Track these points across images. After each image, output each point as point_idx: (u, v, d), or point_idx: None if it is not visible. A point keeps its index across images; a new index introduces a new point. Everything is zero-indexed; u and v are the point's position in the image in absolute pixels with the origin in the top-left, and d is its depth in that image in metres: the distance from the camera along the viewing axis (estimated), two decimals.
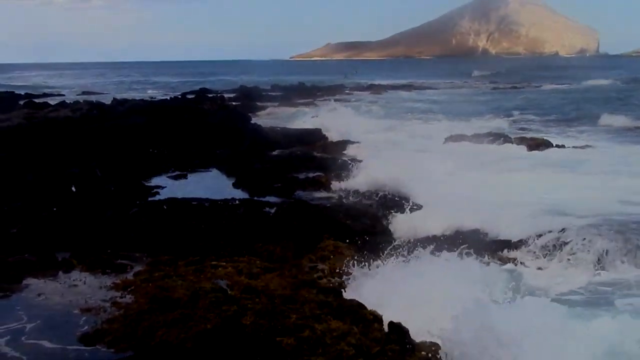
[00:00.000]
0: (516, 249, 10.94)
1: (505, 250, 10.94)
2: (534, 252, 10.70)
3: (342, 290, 8.28)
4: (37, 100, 43.09)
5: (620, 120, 30.30)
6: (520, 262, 10.40)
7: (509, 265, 10.28)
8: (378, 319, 7.29)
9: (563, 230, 10.94)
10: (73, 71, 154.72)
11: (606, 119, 30.76)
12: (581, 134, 27.15)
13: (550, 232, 11.00)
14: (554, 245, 10.62)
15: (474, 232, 11.55)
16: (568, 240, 10.57)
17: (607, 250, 10.15)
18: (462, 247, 9.22)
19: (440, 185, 14.75)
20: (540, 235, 10.98)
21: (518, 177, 16.08)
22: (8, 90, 59.86)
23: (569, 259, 10.23)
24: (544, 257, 10.47)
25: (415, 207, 12.91)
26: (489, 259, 10.16)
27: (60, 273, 8.99)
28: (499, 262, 10.35)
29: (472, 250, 9.19)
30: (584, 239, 10.49)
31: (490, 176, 16.08)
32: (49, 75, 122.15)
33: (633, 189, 14.14)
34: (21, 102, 41.33)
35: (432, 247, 9.44)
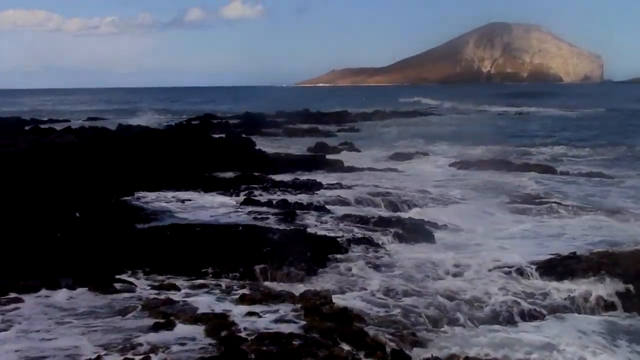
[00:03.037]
0: None
1: None
2: None
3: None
4: (42, 126, 43.34)
5: None
6: None
7: None
8: (381, 345, 7.28)
9: None
10: (81, 96, 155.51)
11: None
12: None
13: None
14: None
15: None
16: None
17: None
18: None
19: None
20: None
21: None
22: (15, 115, 60.30)
23: None
24: None
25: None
26: None
27: (63, 298, 8.98)
28: None
29: None
30: None
31: None
32: (57, 101, 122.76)
33: None
34: (27, 128, 41.56)
35: None
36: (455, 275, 10.33)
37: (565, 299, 9.49)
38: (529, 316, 8.99)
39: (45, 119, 58.13)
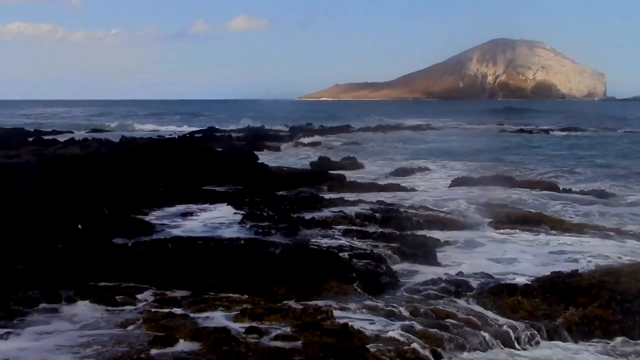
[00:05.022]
0: None
1: None
2: None
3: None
4: (46, 137, 43.47)
5: None
6: None
7: None
8: None
9: None
10: (84, 108, 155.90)
11: None
12: None
13: None
14: None
15: None
16: None
17: None
18: None
19: None
20: None
21: None
22: (18, 126, 60.52)
23: None
24: None
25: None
26: None
27: (64, 310, 8.98)
28: None
29: None
30: None
31: None
32: (61, 112, 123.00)
33: None
34: (30, 139, 41.71)
35: None
36: (456, 294, 10.28)
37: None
38: (530, 339, 8.91)
39: (49, 130, 58.34)
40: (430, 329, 8.53)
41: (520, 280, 11.13)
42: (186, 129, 66.39)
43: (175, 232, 14.14)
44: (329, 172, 25.35)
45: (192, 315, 8.76)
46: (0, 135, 42.22)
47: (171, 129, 69.62)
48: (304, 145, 44.80)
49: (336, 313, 8.93)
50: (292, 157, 36.67)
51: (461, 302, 9.91)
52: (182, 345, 7.54)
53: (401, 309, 9.40)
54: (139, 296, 9.75)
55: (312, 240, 13.43)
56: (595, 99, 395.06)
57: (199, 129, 60.31)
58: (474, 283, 10.81)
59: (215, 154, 28.56)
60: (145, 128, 74.38)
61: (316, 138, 50.68)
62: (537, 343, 8.87)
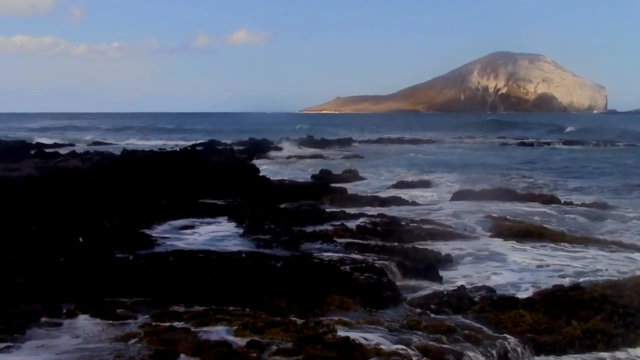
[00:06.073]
0: None
1: None
2: None
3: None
4: (47, 150, 43.55)
5: None
6: None
7: None
8: None
9: None
10: (85, 120, 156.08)
11: None
12: None
13: None
14: None
15: None
16: None
17: None
18: None
19: None
20: None
21: None
22: (20, 139, 60.65)
23: None
24: None
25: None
26: None
27: (65, 324, 8.96)
28: None
29: None
30: None
31: None
32: (63, 125, 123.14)
33: None
34: (32, 152, 41.78)
35: None
36: (457, 308, 10.24)
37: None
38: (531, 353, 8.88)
39: (50, 143, 58.46)
40: (431, 343, 8.49)
41: (522, 293, 11.13)
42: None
43: (177, 245, 14.11)
44: (330, 184, 25.37)
45: (193, 329, 8.74)
46: (2, 148, 42.28)
47: (172, 141, 69.77)
48: (306, 157, 44.87)
49: (337, 327, 8.91)
50: (294, 169, 36.72)
51: (462, 316, 9.88)
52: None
53: (402, 322, 9.38)
54: (140, 310, 9.73)
55: (313, 253, 13.40)
56: (596, 111, 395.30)
57: (200, 141, 60.44)
58: (476, 296, 10.77)
59: (216, 167, 28.58)
60: (146, 139, 74.58)
61: (317, 151, 50.80)
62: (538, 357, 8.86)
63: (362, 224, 16.75)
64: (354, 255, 13.41)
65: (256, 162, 36.81)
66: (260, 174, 28.17)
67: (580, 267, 13.28)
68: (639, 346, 9.16)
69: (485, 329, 9.28)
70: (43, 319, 9.03)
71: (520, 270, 13.24)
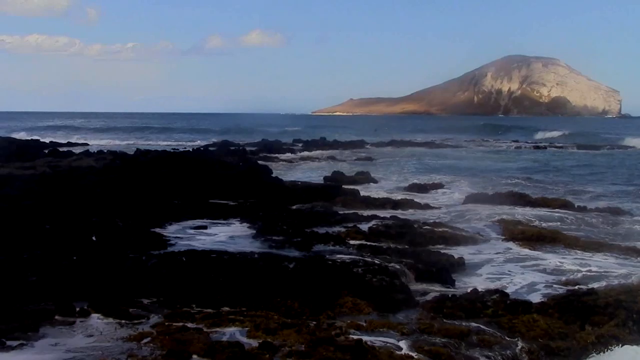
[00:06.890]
0: None
1: None
2: None
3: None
4: (61, 149, 43.75)
5: None
6: None
7: None
8: None
9: None
10: (100, 120, 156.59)
11: None
12: None
13: None
14: None
15: None
16: None
17: None
18: None
19: None
20: None
21: None
22: (34, 138, 61.02)
23: None
24: None
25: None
26: None
27: (78, 323, 8.99)
28: None
29: None
30: None
31: None
32: (77, 124, 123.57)
33: None
34: (46, 151, 41.98)
35: None
36: (470, 311, 10.19)
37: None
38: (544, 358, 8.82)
39: (64, 142, 58.74)
40: (444, 347, 8.46)
41: (536, 298, 11.07)
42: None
43: (190, 245, 14.13)
44: (343, 186, 25.30)
45: (205, 329, 8.75)
46: (16, 147, 42.48)
47: (185, 141, 69.97)
48: (318, 159, 44.86)
49: (350, 329, 8.89)
50: (306, 171, 36.69)
51: (475, 320, 9.83)
52: None
53: (415, 326, 9.35)
54: (152, 309, 9.75)
55: (326, 255, 13.38)
56: (610, 116, 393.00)
57: (212, 142, 60.61)
58: (489, 300, 10.71)
59: (229, 168, 28.59)
60: (160, 140, 74.78)
61: (330, 152, 50.77)
62: None
63: (375, 226, 16.72)
64: (366, 257, 13.37)
65: (268, 163, 36.78)
66: (273, 175, 28.15)
67: (594, 272, 13.17)
68: None
69: (498, 333, 9.24)
70: (56, 318, 9.07)
71: (533, 274, 13.16)
